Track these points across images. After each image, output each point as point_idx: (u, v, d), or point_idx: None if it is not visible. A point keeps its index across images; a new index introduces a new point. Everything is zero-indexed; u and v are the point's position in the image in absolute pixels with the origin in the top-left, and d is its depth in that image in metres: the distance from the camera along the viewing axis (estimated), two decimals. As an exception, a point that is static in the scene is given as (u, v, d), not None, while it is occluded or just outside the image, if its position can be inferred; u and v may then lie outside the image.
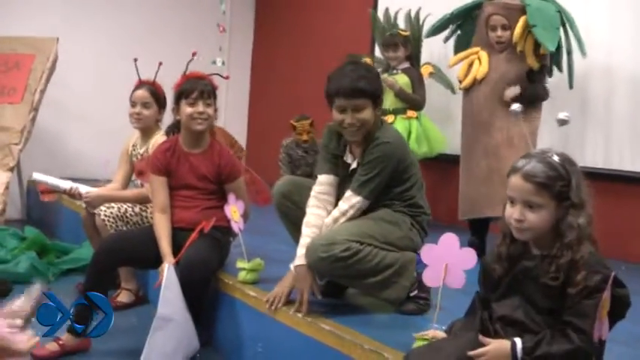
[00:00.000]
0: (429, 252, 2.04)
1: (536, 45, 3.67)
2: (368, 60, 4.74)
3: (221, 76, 3.40)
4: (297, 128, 5.11)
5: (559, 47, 3.75)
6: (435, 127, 4.72)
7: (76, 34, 6.16)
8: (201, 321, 2.97)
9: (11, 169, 5.24)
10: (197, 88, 3.09)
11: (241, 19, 7.37)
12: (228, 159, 3.21)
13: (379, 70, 4.34)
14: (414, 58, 4.72)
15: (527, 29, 3.64)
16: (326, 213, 2.65)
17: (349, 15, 6.03)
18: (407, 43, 4.64)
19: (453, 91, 4.61)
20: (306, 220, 2.66)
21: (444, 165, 4.90)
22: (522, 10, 3.67)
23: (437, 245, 2.01)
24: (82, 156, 6.23)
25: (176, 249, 3.01)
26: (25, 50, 5.62)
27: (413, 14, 4.78)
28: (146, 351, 2.69)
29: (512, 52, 3.72)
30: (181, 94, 3.12)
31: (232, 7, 7.19)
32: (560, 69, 3.95)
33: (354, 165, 2.66)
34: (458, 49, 4.17)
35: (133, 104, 3.65)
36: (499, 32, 3.72)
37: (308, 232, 2.63)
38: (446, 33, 4.26)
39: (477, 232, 3.83)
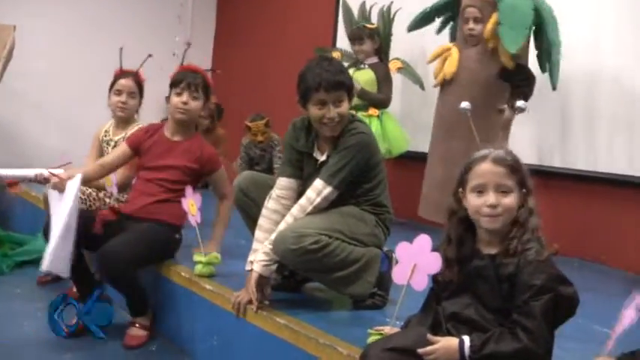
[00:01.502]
0: (403, 249, 2.05)
1: None
2: (337, 54, 4.71)
3: (213, 71, 3.46)
4: (251, 129, 5.01)
5: (544, 47, 3.66)
6: (398, 127, 4.65)
7: (34, 22, 6.06)
8: (138, 309, 3.05)
9: (-35, 159, 5.14)
10: (185, 79, 3.21)
11: (203, 10, 7.32)
12: (210, 151, 3.30)
13: (346, 64, 4.35)
14: (382, 52, 4.67)
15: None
16: (281, 218, 2.61)
17: (312, 8, 6.02)
18: (373, 37, 4.60)
19: (422, 87, 4.60)
20: (260, 222, 2.65)
21: (411, 163, 4.82)
22: (496, 5, 3.59)
23: (411, 244, 2.02)
24: (40, 146, 6.11)
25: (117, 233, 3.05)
26: (-20, 38, 5.50)
27: (385, 8, 4.72)
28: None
29: (484, 48, 3.67)
30: (171, 84, 3.25)
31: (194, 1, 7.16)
32: (542, 69, 3.81)
33: (322, 158, 2.64)
34: (454, 41, 4.06)
35: (118, 92, 3.64)
36: (471, 24, 3.66)
37: (260, 236, 2.62)
38: (436, 25, 4.19)
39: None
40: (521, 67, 3.68)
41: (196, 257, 2.97)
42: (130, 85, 3.65)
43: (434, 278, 1.96)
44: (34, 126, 6.36)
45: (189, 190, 2.99)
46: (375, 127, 4.51)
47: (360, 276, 2.58)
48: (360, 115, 4.48)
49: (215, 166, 3.30)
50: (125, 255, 2.92)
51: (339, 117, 2.54)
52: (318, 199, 2.56)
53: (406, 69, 4.69)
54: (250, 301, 2.55)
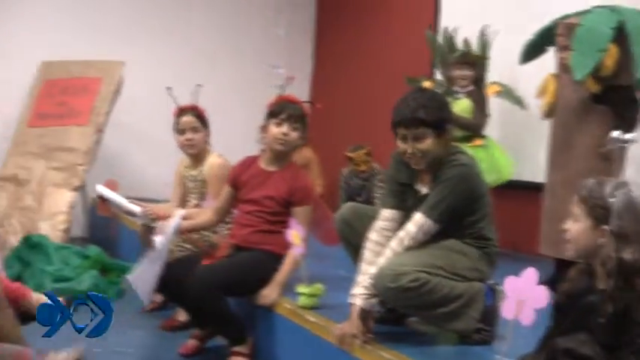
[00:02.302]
0: (510, 283, 2.01)
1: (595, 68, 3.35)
2: (428, 83, 4.68)
3: (312, 104, 3.47)
4: (353, 159, 5.10)
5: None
6: (504, 153, 4.57)
7: (141, 58, 6.30)
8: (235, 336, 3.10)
9: (76, 189, 5.38)
10: (286, 109, 3.19)
11: (300, 44, 7.45)
12: (303, 183, 3.27)
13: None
14: (480, 80, 4.62)
15: None
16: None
17: (408, 37, 6.02)
18: (475, 65, 4.56)
19: (523, 106, 4.53)
20: (364, 255, 2.62)
21: (512, 191, 4.69)
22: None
23: (519, 278, 1.98)
24: (144, 176, 6.35)
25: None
26: (93, 74, 5.79)
27: (478, 33, 4.67)
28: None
29: None
30: (270, 114, 3.23)
31: (290, 32, 7.29)
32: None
33: (424, 191, 2.61)
34: None
35: (182, 132, 3.69)
36: (562, 53, 3.55)
37: (363, 269, 2.59)
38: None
39: (559, 267, 3.53)
40: (617, 88, 3.41)
41: (300, 289, 2.98)
42: (190, 120, 3.68)
43: (550, 316, 1.90)
44: (139, 157, 6.59)
45: (293, 221, 3.01)
46: (481, 157, 4.35)
47: (463, 312, 2.52)
48: (465, 146, 4.42)
49: (304, 199, 3.22)
50: (212, 280, 2.98)
51: (421, 153, 2.50)
52: (418, 233, 2.51)
53: (505, 91, 4.64)
54: (354, 335, 2.52)
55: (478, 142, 4.48)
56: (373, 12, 6.65)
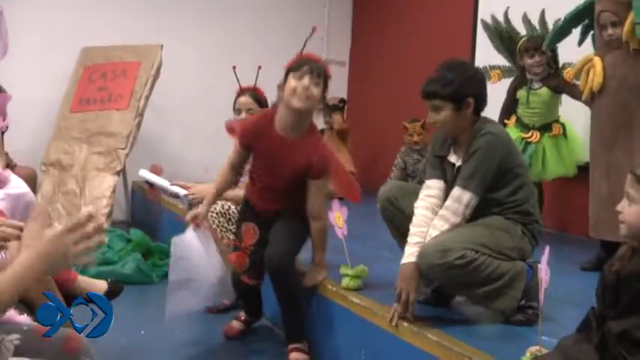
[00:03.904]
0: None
1: None
2: (495, 72, 4.41)
3: (338, 63, 3.31)
4: (408, 129, 5.32)
5: None
6: (578, 137, 4.30)
7: (179, 41, 6.32)
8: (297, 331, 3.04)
9: (118, 173, 5.43)
10: (307, 63, 2.92)
11: (339, 24, 7.41)
12: (323, 156, 3.01)
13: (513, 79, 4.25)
14: (552, 63, 4.27)
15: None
16: (434, 216, 2.59)
17: (449, 24, 5.93)
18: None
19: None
20: (415, 220, 2.61)
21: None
22: (631, 4, 3.31)
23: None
24: (184, 160, 6.39)
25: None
26: (131, 58, 5.82)
27: (538, 16, 4.29)
28: (168, 311, 2.98)
29: (627, 50, 3.39)
30: (290, 69, 2.95)
31: (330, 13, 7.23)
32: None
33: (458, 163, 2.62)
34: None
35: (238, 112, 3.67)
36: (609, 30, 3.42)
37: (416, 231, 2.57)
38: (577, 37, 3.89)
39: (605, 247, 3.51)
40: None
41: (343, 270, 2.97)
42: (247, 101, 3.64)
43: (597, 297, 1.85)
44: (178, 141, 6.63)
45: (335, 203, 3.00)
46: (563, 146, 4.25)
47: (505, 291, 2.51)
48: (547, 137, 4.24)
49: (322, 172, 2.99)
50: (291, 252, 3.00)
51: (439, 124, 2.59)
52: (459, 208, 2.52)
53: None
54: (411, 296, 2.50)
55: (557, 130, 4.26)
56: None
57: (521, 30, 4.37)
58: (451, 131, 2.61)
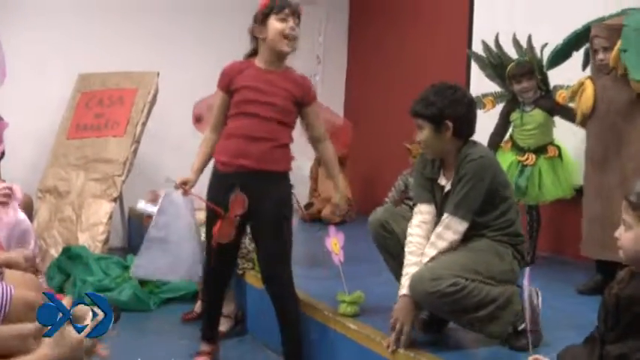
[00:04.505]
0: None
1: None
2: (489, 99, 4.39)
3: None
4: (411, 151, 5.24)
5: None
6: (572, 160, 4.26)
7: (176, 68, 6.34)
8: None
9: (114, 200, 5.43)
10: (288, 4, 2.86)
11: (335, 47, 7.47)
12: (308, 81, 3.03)
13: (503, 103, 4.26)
14: (545, 83, 4.25)
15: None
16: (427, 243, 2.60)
17: (443, 43, 5.99)
18: (534, 72, 4.18)
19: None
20: (408, 249, 2.62)
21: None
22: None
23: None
24: (180, 186, 6.38)
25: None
26: (128, 85, 5.85)
27: (525, 41, 4.27)
28: (136, 263, 2.92)
29: (616, 75, 3.43)
30: (271, 10, 2.86)
31: (325, 38, 7.29)
32: None
33: (448, 187, 2.63)
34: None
35: None
36: (600, 55, 3.48)
37: (412, 260, 2.58)
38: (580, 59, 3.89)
39: (601, 269, 3.54)
40: None
41: (340, 296, 2.97)
42: None
43: (599, 319, 1.87)
44: (175, 167, 6.59)
45: (332, 228, 3.01)
46: (559, 168, 4.21)
47: (497, 315, 2.52)
48: (543, 159, 4.21)
49: (312, 95, 2.98)
50: (289, 265, 2.99)
51: (423, 143, 2.63)
52: (449, 233, 2.54)
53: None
54: (407, 325, 2.50)
55: (553, 152, 4.23)
56: (405, 21, 6.62)
57: (513, 53, 4.39)
58: (433, 152, 2.66)
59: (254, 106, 2.89)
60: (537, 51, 4.20)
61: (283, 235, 2.98)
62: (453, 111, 2.58)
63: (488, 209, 2.58)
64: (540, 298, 2.60)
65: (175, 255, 2.97)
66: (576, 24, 3.79)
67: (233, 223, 2.89)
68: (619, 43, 3.35)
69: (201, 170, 3.09)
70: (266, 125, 2.89)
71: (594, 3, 4.04)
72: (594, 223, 3.50)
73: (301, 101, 2.95)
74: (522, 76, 4.15)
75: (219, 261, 3.03)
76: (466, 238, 2.58)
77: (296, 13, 2.88)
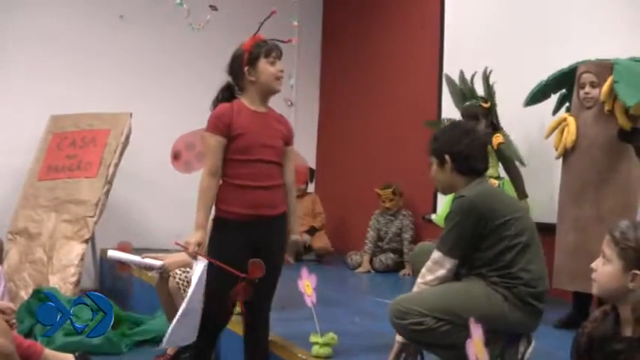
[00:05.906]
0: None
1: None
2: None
3: (282, 42, 3.06)
4: (381, 196, 5.63)
5: None
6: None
7: (148, 108, 6.38)
8: None
9: (86, 241, 5.39)
10: (276, 47, 2.96)
11: (306, 90, 7.56)
12: (286, 119, 3.12)
13: None
14: (493, 126, 4.41)
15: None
16: None
17: (416, 81, 6.08)
18: (488, 115, 4.37)
19: (522, 163, 4.47)
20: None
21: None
22: (612, 69, 3.51)
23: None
24: (154, 226, 6.37)
25: (258, 250, 2.84)
26: (101, 125, 5.85)
27: (482, 76, 4.52)
28: (171, 333, 2.76)
29: (600, 111, 3.55)
30: (260, 53, 2.92)
31: (297, 80, 7.37)
32: None
33: None
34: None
35: None
36: (587, 89, 3.61)
37: None
38: (553, 104, 4.07)
39: (577, 305, 3.63)
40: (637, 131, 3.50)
41: (313, 338, 2.96)
42: None
43: (572, 357, 1.89)
44: (149, 207, 6.62)
45: (304, 271, 3.01)
46: None
47: None
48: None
49: (292, 134, 3.07)
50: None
51: (433, 177, 2.77)
52: (434, 267, 2.56)
53: (506, 144, 4.37)
54: None
55: (493, 182, 4.28)
56: (378, 64, 6.73)
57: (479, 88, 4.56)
58: (441, 186, 2.79)
59: (258, 151, 2.91)
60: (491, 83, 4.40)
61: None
62: (450, 147, 2.68)
63: (484, 247, 2.54)
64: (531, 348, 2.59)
65: (195, 318, 2.95)
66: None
67: (253, 284, 2.83)
68: (611, 78, 3.48)
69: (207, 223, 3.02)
70: (269, 169, 2.94)
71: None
72: (567, 255, 3.58)
73: (286, 141, 3.02)
74: (469, 117, 4.35)
75: (224, 313, 3.00)
76: (463, 271, 2.59)
77: (281, 55, 2.98)
